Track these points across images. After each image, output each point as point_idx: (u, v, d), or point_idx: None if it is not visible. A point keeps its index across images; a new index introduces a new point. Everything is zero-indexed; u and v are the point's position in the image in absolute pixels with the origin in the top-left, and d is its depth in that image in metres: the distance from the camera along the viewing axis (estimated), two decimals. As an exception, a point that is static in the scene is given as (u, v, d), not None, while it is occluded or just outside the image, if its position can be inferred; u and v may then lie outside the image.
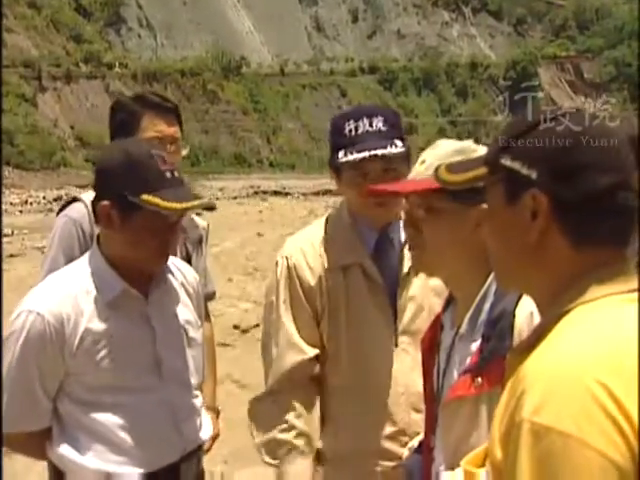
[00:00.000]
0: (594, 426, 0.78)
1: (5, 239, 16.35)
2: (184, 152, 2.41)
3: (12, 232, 17.98)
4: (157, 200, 1.62)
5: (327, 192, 31.26)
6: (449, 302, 1.55)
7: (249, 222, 20.42)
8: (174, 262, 1.94)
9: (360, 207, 1.89)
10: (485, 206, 1.30)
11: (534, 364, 0.86)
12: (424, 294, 1.88)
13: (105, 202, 1.67)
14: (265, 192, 38.68)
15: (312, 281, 1.89)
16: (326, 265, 1.89)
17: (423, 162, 1.48)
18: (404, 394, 1.86)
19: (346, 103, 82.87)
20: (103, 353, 1.69)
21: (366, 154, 1.78)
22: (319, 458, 1.93)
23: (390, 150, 1.79)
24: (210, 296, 2.51)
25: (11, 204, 29.04)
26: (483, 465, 0.97)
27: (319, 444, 1.92)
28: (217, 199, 31.36)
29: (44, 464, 1.84)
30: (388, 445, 1.85)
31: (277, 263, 1.95)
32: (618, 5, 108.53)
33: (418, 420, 1.82)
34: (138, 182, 1.64)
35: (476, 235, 1.33)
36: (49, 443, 1.75)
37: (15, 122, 55.06)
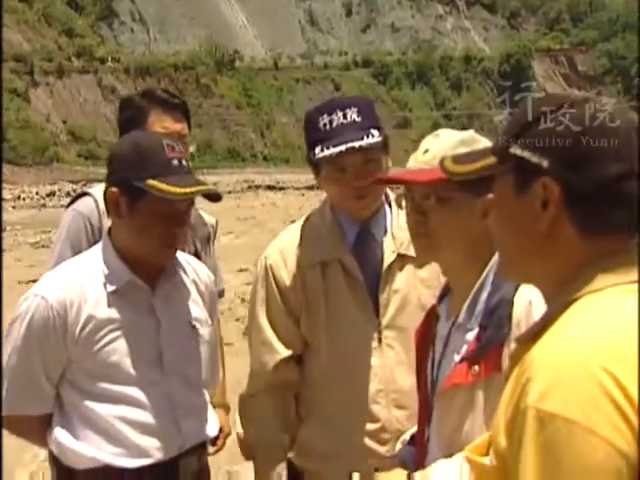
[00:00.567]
0: (601, 414, 0.78)
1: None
2: (191, 148, 2.42)
3: (5, 228, 17.92)
4: (161, 185, 1.64)
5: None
6: (444, 294, 1.55)
7: (243, 216, 20.40)
8: (187, 259, 1.95)
9: (340, 201, 1.87)
10: (491, 196, 1.32)
11: (540, 352, 0.86)
12: (410, 287, 1.86)
13: (114, 189, 1.70)
14: (259, 187, 38.65)
15: (288, 280, 1.88)
16: (304, 262, 1.88)
17: (426, 151, 1.47)
18: (383, 391, 1.84)
19: (340, 97, 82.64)
20: (105, 341, 1.70)
21: (343, 147, 1.74)
22: (299, 453, 1.93)
23: (367, 141, 1.76)
24: (219, 294, 2.51)
25: (4, 199, 28.91)
26: (487, 454, 0.97)
27: (300, 439, 1.92)
28: (211, 194, 31.21)
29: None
30: (368, 442, 1.84)
31: (258, 264, 1.96)
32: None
33: (400, 417, 1.83)
34: (144, 168, 1.66)
35: (481, 225, 1.34)
36: (49, 429, 1.76)
37: (7, 117, 54.76)
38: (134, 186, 1.66)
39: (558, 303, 0.92)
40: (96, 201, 2.17)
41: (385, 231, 1.91)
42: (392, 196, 1.96)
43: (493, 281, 1.41)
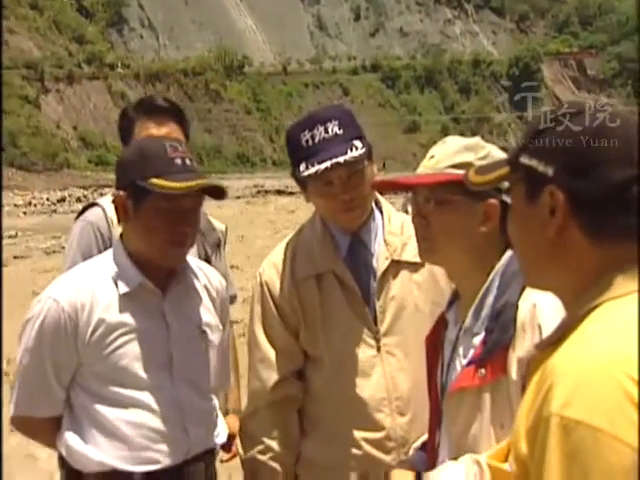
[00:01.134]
0: (626, 420, 0.77)
1: (9, 240, 16.40)
2: None
3: (16, 234, 18.02)
4: (162, 182, 1.65)
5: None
6: (453, 300, 1.56)
7: (252, 221, 20.43)
8: (199, 264, 1.95)
9: (329, 214, 1.86)
10: (493, 201, 1.41)
11: (562, 358, 0.86)
12: (406, 292, 1.85)
13: (121, 193, 1.73)
14: (268, 191, 38.70)
15: (284, 294, 1.87)
16: (299, 275, 1.87)
17: (432, 157, 1.50)
18: (386, 399, 1.82)
19: (349, 101, 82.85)
20: (115, 344, 1.71)
21: (328, 164, 1.72)
22: (304, 467, 1.91)
23: (351, 154, 1.74)
24: (231, 299, 2.51)
25: (15, 206, 29.11)
26: (506, 460, 0.97)
27: (304, 451, 1.90)
28: (220, 199, 31.29)
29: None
30: (373, 452, 1.82)
31: (255, 280, 1.96)
32: (621, 0, 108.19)
33: (404, 424, 1.82)
34: (147, 168, 1.68)
35: (485, 228, 1.42)
36: (59, 431, 1.77)
37: (18, 124, 55.19)
38: (139, 187, 1.68)
39: (578, 310, 0.92)
40: (104, 210, 2.19)
41: (378, 237, 1.89)
42: (383, 201, 1.96)
43: (499, 285, 1.42)
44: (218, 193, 1.74)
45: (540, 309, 1.33)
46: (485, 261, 1.44)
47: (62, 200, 32.65)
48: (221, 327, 1.92)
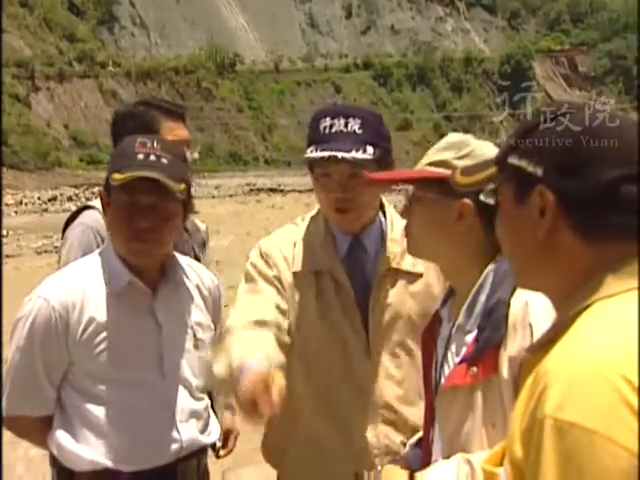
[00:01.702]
0: (621, 422, 0.76)
1: None
2: (195, 154, 2.43)
3: (7, 233, 17.94)
4: (116, 175, 1.67)
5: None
6: (448, 296, 1.56)
7: (244, 220, 20.40)
8: (190, 263, 1.95)
9: (324, 209, 1.86)
10: (466, 201, 1.40)
11: (555, 360, 0.85)
12: (400, 301, 1.82)
13: (101, 190, 1.77)
14: (260, 190, 38.66)
15: (284, 273, 1.83)
16: (298, 269, 1.84)
17: (426, 155, 1.53)
18: (372, 405, 1.80)
19: (341, 99, 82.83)
20: (106, 343, 1.70)
21: (326, 154, 1.73)
22: (286, 466, 1.88)
23: (354, 154, 1.72)
24: None
25: (6, 205, 28.95)
26: (501, 464, 0.96)
27: (288, 454, 1.86)
28: (213, 197, 31.34)
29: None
30: (357, 459, 1.78)
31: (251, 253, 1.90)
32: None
33: (388, 432, 1.80)
34: (113, 163, 1.73)
35: (460, 226, 1.43)
36: (50, 430, 1.77)
37: (9, 122, 54.89)
38: (107, 181, 1.73)
39: (569, 310, 0.91)
40: (100, 212, 2.16)
41: (379, 243, 1.87)
42: (388, 206, 1.94)
43: (492, 283, 1.42)
44: (163, 187, 1.65)
45: (532, 307, 1.33)
46: (476, 259, 1.44)
47: (53, 199, 32.54)
48: (212, 326, 1.91)
